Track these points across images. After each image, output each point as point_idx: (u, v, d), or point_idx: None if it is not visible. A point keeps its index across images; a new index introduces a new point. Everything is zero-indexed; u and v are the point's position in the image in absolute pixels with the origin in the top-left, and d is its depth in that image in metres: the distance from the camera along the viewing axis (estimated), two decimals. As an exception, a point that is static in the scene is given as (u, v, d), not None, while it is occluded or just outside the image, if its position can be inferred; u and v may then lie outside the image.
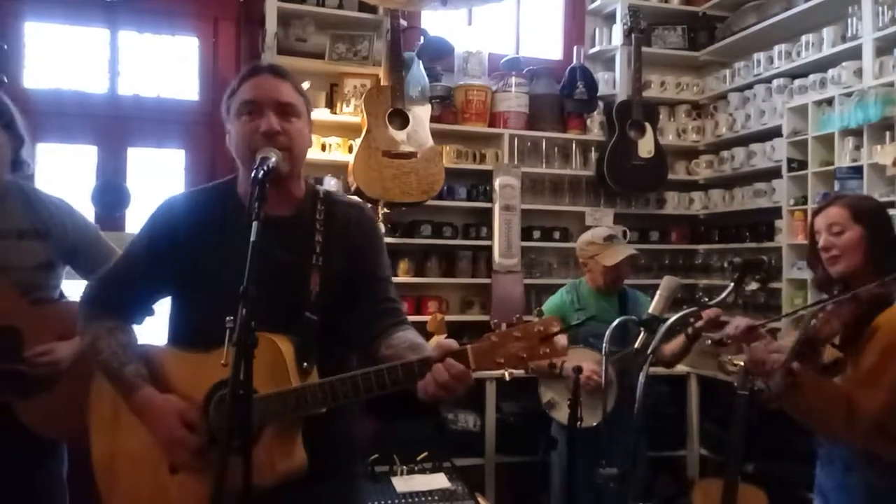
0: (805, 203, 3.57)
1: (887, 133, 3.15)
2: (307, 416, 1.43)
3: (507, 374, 1.18)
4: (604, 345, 2.34)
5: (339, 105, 3.89)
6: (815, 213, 2.01)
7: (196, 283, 1.53)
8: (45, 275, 2.00)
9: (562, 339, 1.28)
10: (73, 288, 2.07)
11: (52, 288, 2.05)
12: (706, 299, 3.52)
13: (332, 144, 3.84)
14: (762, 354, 1.79)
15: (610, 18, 4.47)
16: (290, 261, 1.53)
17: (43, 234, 1.99)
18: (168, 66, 3.95)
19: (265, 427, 1.42)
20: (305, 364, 1.45)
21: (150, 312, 1.70)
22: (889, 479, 1.82)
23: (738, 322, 1.98)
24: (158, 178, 3.91)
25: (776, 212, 3.82)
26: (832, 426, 1.78)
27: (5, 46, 3.40)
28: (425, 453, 3.07)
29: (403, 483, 2.81)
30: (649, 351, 1.93)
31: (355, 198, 1.76)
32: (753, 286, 2.21)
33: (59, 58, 3.75)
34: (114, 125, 3.70)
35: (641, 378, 1.86)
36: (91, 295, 1.63)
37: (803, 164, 3.60)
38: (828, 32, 3.64)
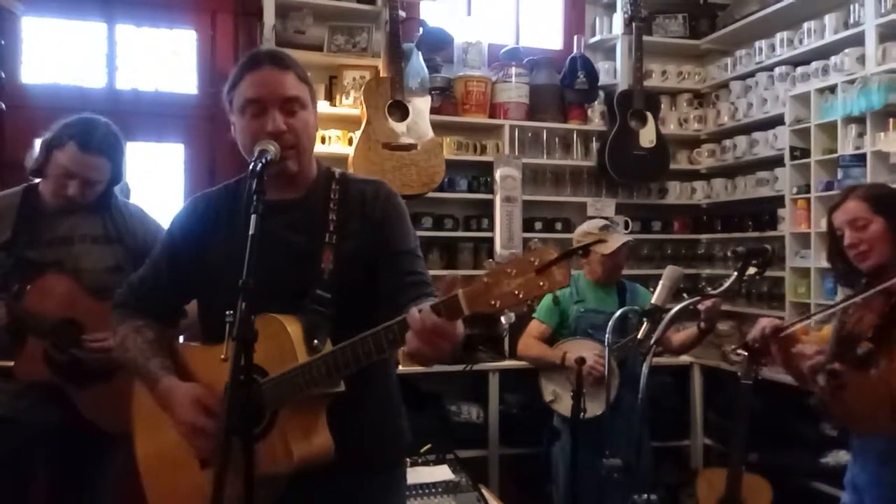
0: (808, 192, 3.55)
1: (891, 120, 3.12)
2: (329, 397, 1.39)
3: (504, 318, 1.07)
4: (606, 335, 2.33)
5: (338, 97, 3.87)
6: (832, 209, 1.99)
7: (213, 280, 1.53)
8: (115, 277, 2.07)
9: (561, 268, 1.13)
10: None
11: None
12: (709, 289, 3.50)
13: (331, 137, 3.82)
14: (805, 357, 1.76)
15: (610, 7, 4.44)
16: (301, 240, 1.51)
17: (115, 239, 2.16)
18: (166, 59, 3.93)
19: (280, 412, 1.39)
20: (316, 342, 1.41)
21: (181, 313, 1.72)
22: None
23: (764, 323, 1.93)
24: (158, 173, 3.90)
25: (779, 200, 3.80)
26: (879, 422, 1.76)
27: (2, 42, 3.39)
28: (429, 445, 3.07)
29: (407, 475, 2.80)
30: (652, 341, 1.92)
31: (374, 177, 1.69)
32: (751, 271, 2.18)
33: (56, 53, 3.73)
34: (112, 120, 3.59)
35: (645, 369, 1.85)
36: (120, 299, 1.66)
37: (806, 153, 3.58)
38: (830, 19, 3.61)
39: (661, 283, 2.39)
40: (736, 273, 2.00)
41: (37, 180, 2.18)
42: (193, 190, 3.93)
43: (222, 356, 1.31)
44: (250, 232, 1.31)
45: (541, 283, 1.13)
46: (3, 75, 3.35)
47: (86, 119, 2.12)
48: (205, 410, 1.43)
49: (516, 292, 1.14)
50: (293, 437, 1.38)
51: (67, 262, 2.10)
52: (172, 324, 1.70)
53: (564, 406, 3.01)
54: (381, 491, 1.57)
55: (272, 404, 1.39)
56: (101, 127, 2.12)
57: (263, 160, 1.41)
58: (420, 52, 3.87)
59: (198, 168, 3.92)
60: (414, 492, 2.67)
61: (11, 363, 2.03)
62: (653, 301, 2.35)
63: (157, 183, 3.87)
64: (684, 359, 3.84)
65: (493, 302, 1.15)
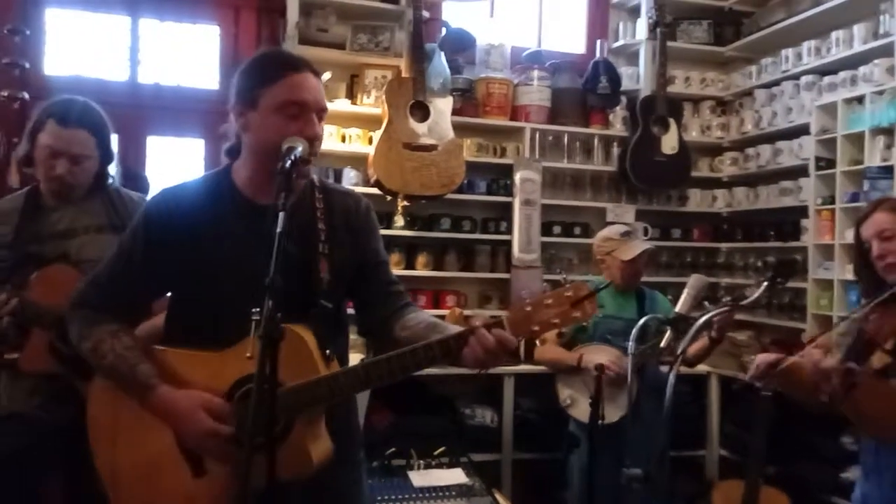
0: (833, 203, 3.50)
1: (920, 132, 3.08)
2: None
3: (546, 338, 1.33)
4: (630, 342, 2.30)
5: (359, 96, 3.86)
6: (860, 221, 1.96)
7: (197, 279, 1.49)
8: None
9: (591, 302, 1.34)
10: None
11: None
12: (728, 298, 3.46)
13: (352, 136, 3.81)
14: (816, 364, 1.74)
15: (634, 12, 4.41)
16: (296, 248, 1.49)
17: (120, 229, 2.06)
18: (188, 54, 3.93)
19: (297, 418, 1.40)
20: (328, 352, 1.45)
21: (147, 313, 1.66)
22: None
23: (759, 360, 1.96)
24: (177, 168, 3.90)
25: (802, 211, 3.76)
26: (894, 428, 1.73)
27: (27, 32, 3.40)
28: (442, 448, 3.04)
29: (420, 477, 2.78)
30: (679, 350, 1.88)
31: (344, 186, 1.74)
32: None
33: (79, 45, 3.74)
34: (134, 113, 3.69)
35: (671, 377, 1.82)
36: (84, 299, 1.54)
37: (831, 163, 3.53)
38: (858, 29, 3.56)
39: (685, 291, 2.36)
40: (766, 283, 1.96)
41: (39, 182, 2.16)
42: (212, 185, 3.96)
43: (248, 354, 1.30)
44: (278, 230, 1.29)
45: (575, 315, 1.34)
46: (28, 65, 3.36)
47: (63, 98, 2.11)
48: (214, 416, 1.40)
49: (554, 320, 1.34)
50: (311, 443, 1.41)
51: (72, 253, 2.08)
52: (135, 325, 1.61)
53: (580, 411, 2.98)
54: (347, 480, 1.61)
55: (288, 412, 1.38)
56: (78, 103, 2.09)
57: (293, 157, 1.39)
58: (442, 53, 3.86)
59: (217, 164, 3.90)
60: (427, 494, 2.65)
61: (17, 355, 2.01)
62: (677, 309, 2.32)
63: (177, 178, 3.87)
64: (702, 368, 3.79)
65: (534, 328, 1.34)
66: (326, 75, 3.57)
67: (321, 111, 1.50)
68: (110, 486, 1.50)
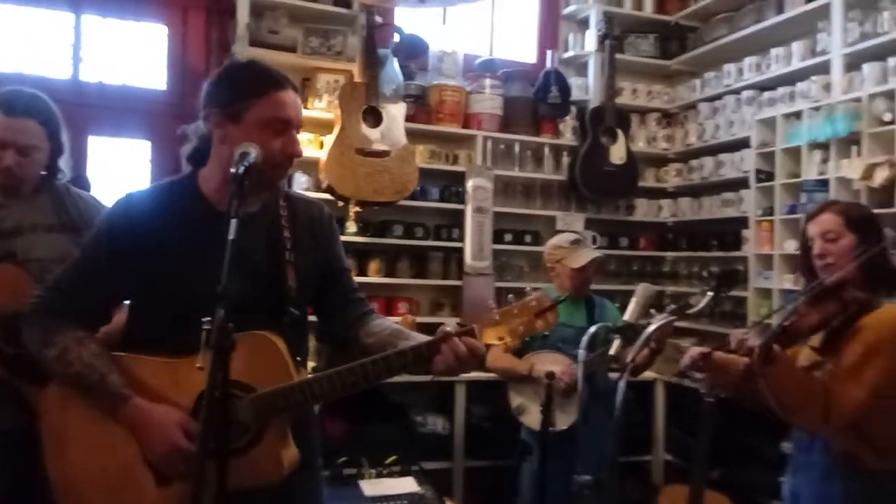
0: (772, 214, 3.63)
1: (853, 147, 3.22)
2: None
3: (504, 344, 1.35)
4: (580, 350, 2.33)
5: (310, 100, 3.82)
6: (808, 219, 2.01)
7: (162, 286, 1.47)
8: None
9: (553, 313, 1.43)
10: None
11: None
12: (672, 306, 3.54)
13: (302, 140, 3.75)
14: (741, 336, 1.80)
15: (584, 24, 4.50)
16: (266, 257, 1.52)
17: (69, 228, 2.01)
18: (134, 53, 3.83)
19: (268, 425, 1.42)
20: (299, 358, 1.48)
21: (108, 320, 1.63)
22: (867, 487, 1.84)
23: (693, 352, 2.02)
24: (120, 170, 3.79)
25: (743, 221, 3.88)
26: (809, 415, 1.79)
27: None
28: (394, 456, 3.03)
29: (371, 486, 2.76)
30: (629, 359, 1.92)
31: (307, 194, 1.75)
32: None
33: (20, 41, 3.60)
34: (76, 113, 3.53)
35: (622, 385, 1.85)
36: (45, 305, 1.51)
37: (771, 176, 3.66)
38: (797, 46, 3.71)
39: (633, 300, 2.40)
40: (710, 293, 2.01)
41: None
42: (157, 188, 3.85)
43: (198, 365, 1.27)
44: (230, 237, 1.28)
45: (539, 324, 1.42)
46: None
47: (9, 88, 2.03)
48: (186, 433, 1.39)
49: (519, 328, 1.42)
50: (281, 449, 1.43)
51: (18, 252, 1.98)
52: (96, 332, 1.57)
53: (531, 419, 3.00)
54: (309, 487, 1.64)
55: (260, 418, 1.40)
56: (25, 93, 2.02)
57: (246, 163, 1.38)
58: (395, 59, 3.85)
59: (164, 166, 3.82)
60: (379, 503, 2.63)
61: None
62: (625, 318, 2.36)
63: (120, 180, 3.76)
64: (648, 375, 3.87)
65: (501, 335, 1.42)
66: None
67: (300, 127, 1.53)
68: (63, 495, 1.47)
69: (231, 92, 1.48)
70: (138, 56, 3.83)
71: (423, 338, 1.46)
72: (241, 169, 1.36)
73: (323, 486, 1.72)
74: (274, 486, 1.42)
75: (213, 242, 1.39)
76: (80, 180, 3.47)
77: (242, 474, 1.34)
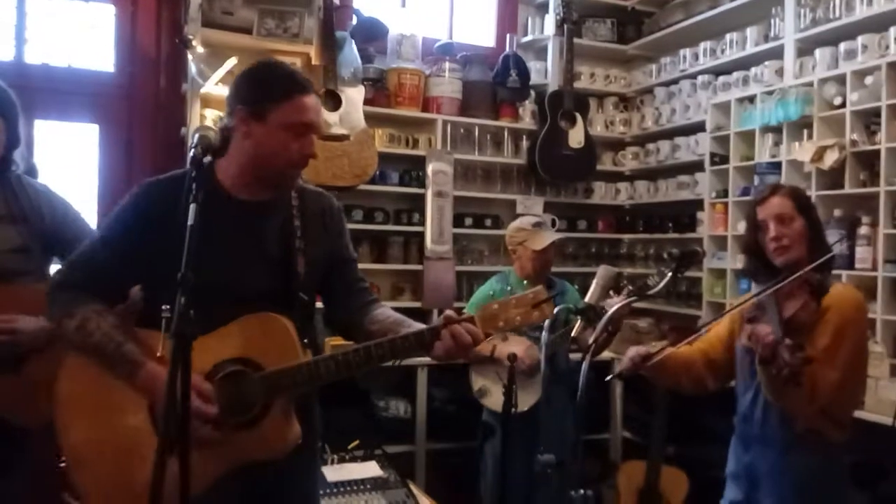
0: (726, 196, 3.70)
1: (805, 131, 3.30)
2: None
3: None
4: (544, 333, 2.36)
5: (267, 83, 3.74)
6: (757, 203, 2.05)
7: (176, 269, 1.49)
8: (22, 259, 1.99)
9: (549, 305, 1.53)
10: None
11: (30, 272, 2.02)
12: (630, 287, 3.60)
13: (259, 124, 3.69)
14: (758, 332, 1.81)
15: (542, 8, 4.49)
16: (275, 244, 1.64)
17: (19, 219, 2.00)
18: (81, 34, 3.69)
19: (273, 402, 1.51)
20: (306, 340, 1.58)
21: (124, 298, 1.69)
22: (826, 459, 1.91)
23: (632, 353, 2.10)
24: (68, 154, 3.67)
25: (698, 204, 3.96)
26: (796, 402, 1.83)
27: None
28: (356, 441, 3.03)
29: (334, 472, 2.75)
30: (591, 340, 1.95)
31: (317, 187, 1.85)
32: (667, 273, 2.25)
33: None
34: (20, 95, 3.40)
35: (584, 366, 1.88)
36: (66, 279, 1.62)
37: (725, 159, 3.73)
38: (751, 32, 3.77)
39: (595, 281, 2.43)
40: (670, 273, 2.05)
41: None
42: (108, 173, 3.74)
43: (158, 353, 1.29)
44: (189, 223, 1.32)
45: (535, 314, 1.51)
46: None
47: None
48: (201, 395, 1.46)
49: (517, 319, 1.51)
50: (284, 426, 1.53)
51: None
52: (113, 307, 1.63)
53: (493, 401, 3.03)
54: (308, 466, 1.75)
55: (266, 395, 1.51)
56: None
57: (204, 146, 1.42)
58: (353, 41, 3.80)
59: (113, 150, 3.71)
60: (342, 488, 2.63)
61: None
62: (586, 299, 2.39)
63: (68, 165, 3.64)
64: (605, 354, 3.92)
65: (500, 324, 1.52)
66: (232, 61, 3.43)
67: (319, 130, 1.66)
68: (74, 464, 1.55)
69: (258, 92, 1.59)
70: (85, 37, 3.70)
71: (424, 326, 1.57)
72: (200, 152, 1.40)
73: (319, 467, 1.86)
74: (277, 462, 1.53)
75: (226, 228, 1.55)
76: (28, 167, 3.37)
77: (248, 447, 1.49)
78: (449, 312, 1.53)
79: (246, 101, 1.58)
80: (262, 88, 1.59)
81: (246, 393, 1.50)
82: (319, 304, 1.78)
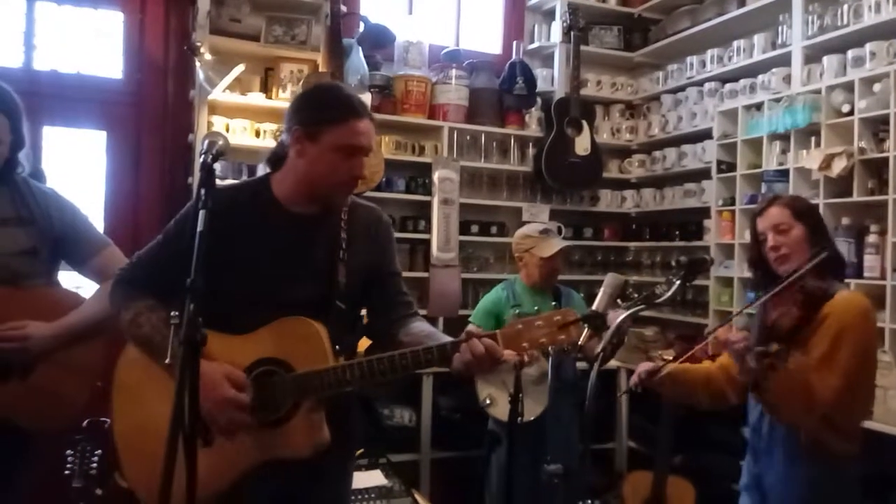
0: (733, 204, 3.69)
1: (813, 138, 3.29)
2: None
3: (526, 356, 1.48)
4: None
5: (274, 90, 3.75)
6: (756, 215, 2.07)
7: (230, 273, 1.61)
8: (30, 261, 1.99)
9: (577, 327, 1.51)
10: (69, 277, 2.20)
11: (38, 275, 2.03)
12: (636, 295, 3.59)
13: (266, 131, 3.70)
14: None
15: (549, 15, 4.50)
16: (320, 254, 1.70)
17: (28, 221, 2.00)
18: (90, 41, 3.71)
19: (302, 403, 1.56)
20: (338, 347, 1.61)
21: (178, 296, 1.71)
22: (831, 471, 1.89)
23: (639, 369, 2.10)
24: (76, 160, 3.68)
25: (705, 212, 3.94)
26: (794, 411, 1.83)
27: None
28: (361, 450, 3.01)
29: (339, 481, 2.74)
30: (599, 349, 1.93)
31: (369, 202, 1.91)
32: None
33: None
34: (29, 102, 3.38)
35: (592, 375, 1.86)
36: (128, 276, 1.72)
37: (732, 167, 3.72)
38: (759, 39, 3.77)
39: (602, 289, 2.41)
40: (678, 282, 2.04)
41: None
42: (116, 180, 3.75)
43: (167, 360, 1.31)
44: (198, 228, 1.34)
45: (561, 337, 1.49)
46: None
47: None
48: (237, 387, 1.53)
49: (542, 340, 1.49)
50: (313, 427, 1.57)
51: None
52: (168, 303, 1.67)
53: (500, 410, 3.01)
54: (337, 469, 1.78)
55: (295, 396, 1.56)
56: None
57: (213, 152, 1.46)
58: (360, 49, 3.81)
59: (121, 157, 3.73)
60: (347, 497, 2.62)
61: None
62: (594, 307, 2.37)
63: (76, 172, 3.66)
64: (611, 363, 3.91)
65: (524, 344, 1.50)
66: (240, 68, 3.45)
67: (370, 152, 1.70)
68: (122, 449, 1.69)
69: (313, 113, 1.66)
70: (94, 44, 3.72)
71: (449, 339, 1.59)
72: (210, 158, 1.44)
73: (353, 469, 1.90)
74: (310, 462, 1.56)
75: (278, 237, 1.66)
76: (35, 172, 3.38)
77: (274, 445, 1.55)
78: (471, 327, 1.56)
79: (302, 121, 1.65)
80: (318, 110, 1.65)
81: (276, 392, 1.57)
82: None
